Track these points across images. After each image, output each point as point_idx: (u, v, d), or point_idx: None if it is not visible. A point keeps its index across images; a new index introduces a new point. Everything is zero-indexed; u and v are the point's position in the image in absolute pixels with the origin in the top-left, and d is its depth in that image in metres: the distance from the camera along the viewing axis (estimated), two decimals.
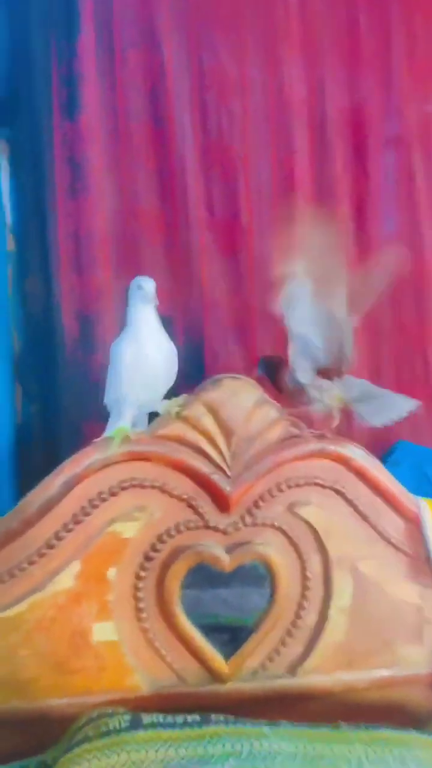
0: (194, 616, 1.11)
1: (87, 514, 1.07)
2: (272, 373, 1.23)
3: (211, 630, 1.21)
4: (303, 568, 1.17)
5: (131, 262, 1.39)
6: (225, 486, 1.11)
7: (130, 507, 1.09)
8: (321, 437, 1.16)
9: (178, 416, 1.10)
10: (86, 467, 1.07)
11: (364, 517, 1.18)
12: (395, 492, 1.18)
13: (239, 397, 1.12)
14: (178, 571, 1.10)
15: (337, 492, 1.17)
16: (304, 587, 1.17)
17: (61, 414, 1.40)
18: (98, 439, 1.10)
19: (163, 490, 1.11)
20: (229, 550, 1.13)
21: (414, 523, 1.20)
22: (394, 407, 1.14)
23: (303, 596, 1.17)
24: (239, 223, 1.44)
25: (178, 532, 1.12)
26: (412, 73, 1.43)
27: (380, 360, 1.53)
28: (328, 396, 1.12)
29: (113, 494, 1.09)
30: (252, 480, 1.12)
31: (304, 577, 1.17)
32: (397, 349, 1.52)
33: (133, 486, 1.09)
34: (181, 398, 1.13)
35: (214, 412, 1.11)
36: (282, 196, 1.44)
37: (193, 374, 1.24)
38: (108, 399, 1.14)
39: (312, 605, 1.17)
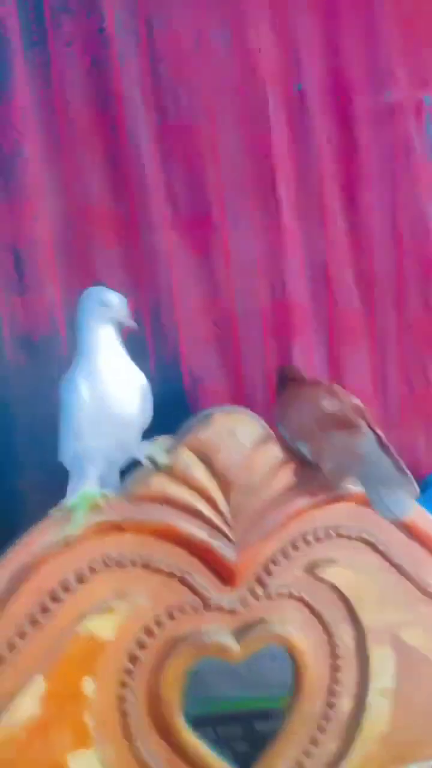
0: (193, 703, 0.86)
1: (47, 611, 0.81)
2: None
3: (218, 722, 0.95)
4: (332, 645, 0.92)
5: (84, 273, 1.13)
6: (227, 552, 0.85)
7: (105, 596, 0.83)
8: None
9: (161, 469, 0.84)
10: (42, 551, 0.80)
11: (402, 571, 0.94)
12: None
13: (236, 436, 0.87)
14: (175, 671, 0.84)
15: (366, 543, 0.93)
16: (335, 668, 0.92)
17: (11, 472, 1.12)
18: (56, 509, 0.83)
19: (147, 567, 0.84)
20: (239, 634, 0.87)
21: None
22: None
23: (334, 680, 0.92)
24: (210, 218, 1.19)
25: (171, 619, 0.86)
26: (401, 29, 1.21)
27: (386, 366, 1.30)
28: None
29: (82, 581, 0.82)
30: (260, 541, 0.87)
31: (334, 656, 0.92)
32: (404, 352, 1.30)
33: (108, 567, 0.83)
34: (164, 441, 0.87)
35: (206, 458, 0.85)
36: (259, 183, 1.21)
37: (170, 405, 0.98)
38: (63, 455, 0.87)
39: (346, 690, 0.92)
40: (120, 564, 0.84)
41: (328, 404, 0.87)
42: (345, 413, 0.86)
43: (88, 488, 0.84)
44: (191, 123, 1.18)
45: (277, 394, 0.98)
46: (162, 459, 0.84)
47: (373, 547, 0.93)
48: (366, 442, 0.84)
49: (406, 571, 0.94)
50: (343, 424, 0.85)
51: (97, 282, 1.15)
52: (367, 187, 1.27)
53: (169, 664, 0.84)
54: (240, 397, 1.22)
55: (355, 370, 1.28)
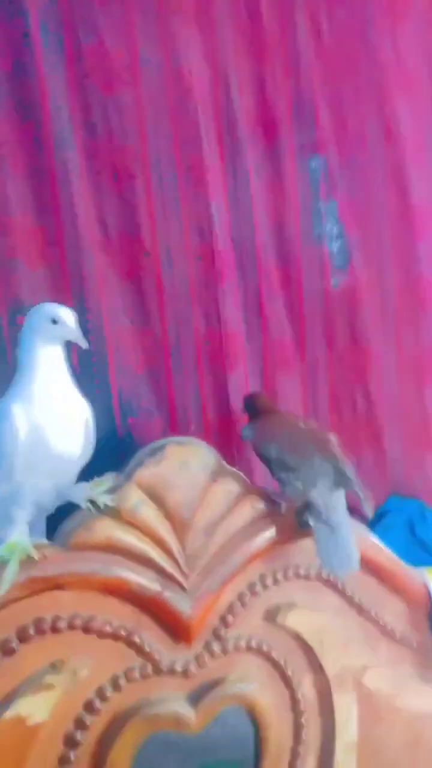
0: None
1: None
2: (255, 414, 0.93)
3: None
4: (294, 701, 0.83)
5: (3, 293, 1.01)
6: (181, 605, 0.75)
7: (37, 669, 0.69)
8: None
9: (104, 512, 0.73)
10: None
11: (361, 611, 0.89)
12: (395, 569, 0.90)
13: (190, 470, 0.78)
14: (123, 753, 0.71)
15: (325, 582, 0.87)
16: (298, 726, 0.83)
17: None
18: None
19: (88, 630, 0.72)
20: (194, 699, 0.76)
21: (416, 604, 0.92)
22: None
23: (297, 739, 0.83)
24: (141, 242, 1.12)
25: (117, 690, 0.73)
26: (321, 60, 1.23)
27: (317, 395, 1.28)
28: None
29: (8, 653, 0.68)
30: (217, 588, 0.78)
31: (297, 712, 0.83)
32: (333, 382, 1.28)
33: (41, 634, 0.69)
34: (107, 479, 0.76)
35: (157, 497, 0.76)
36: (192, 208, 1.16)
37: (98, 438, 0.87)
38: None
39: (310, 749, 0.84)
40: (55, 629, 0.70)
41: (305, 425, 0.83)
42: (318, 437, 0.81)
43: (18, 537, 0.71)
44: (122, 142, 1.11)
45: (250, 417, 0.92)
46: (105, 500, 0.73)
47: (332, 586, 0.87)
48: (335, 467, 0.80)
49: (365, 610, 0.89)
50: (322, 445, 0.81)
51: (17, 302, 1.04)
52: (294, 219, 1.26)
53: (116, 745, 0.71)
54: (173, 427, 1.13)
55: (287, 399, 1.24)
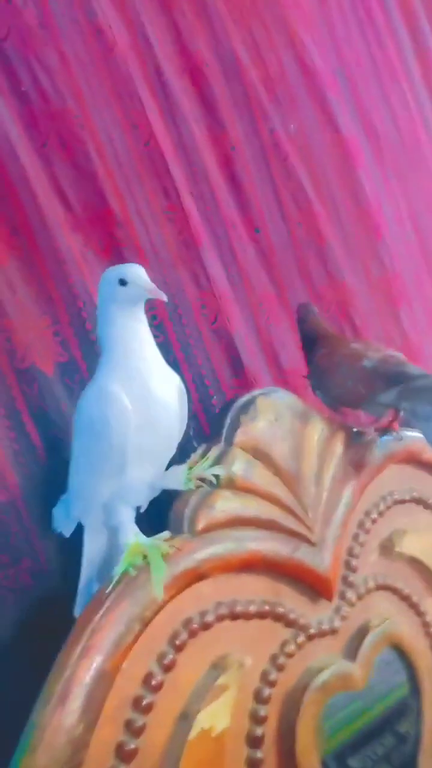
0: None
1: (136, 725, 0.55)
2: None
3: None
4: (424, 625, 0.81)
5: None
6: (316, 561, 0.69)
7: (204, 676, 0.60)
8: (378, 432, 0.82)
9: (219, 485, 0.65)
10: (114, 647, 0.54)
11: None
12: None
13: (284, 419, 0.72)
14: (307, 733, 0.65)
15: (417, 501, 0.85)
16: None
17: None
18: (107, 585, 0.57)
19: (234, 616, 0.64)
20: (350, 654, 0.71)
21: None
22: None
23: None
24: (110, 212, 1.01)
25: (280, 669, 0.66)
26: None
27: None
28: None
29: (168, 668, 0.58)
30: (341, 534, 0.73)
31: (430, 636, 0.81)
32: None
33: (193, 634, 0.60)
34: (202, 452, 0.68)
35: (263, 455, 0.69)
36: (149, 167, 1.07)
37: None
38: (80, 500, 0.62)
39: None
40: (205, 625, 0.62)
41: (369, 362, 0.76)
42: (391, 366, 0.76)
43: (138, 538, 0.60)
44: (61, 106, 0.99)
45: (307, 354, 0.85)
46: (218, 473, 0.65)
47: (423, 504, 0.86)
48: (418, 381, 0.76)
49: None
50: (395, 377, 0.75)
51: None
52: (245, 166, 1.22)
53: (299, 727, 0.65)
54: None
55: (282, 347, 1.21)
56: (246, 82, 1.23)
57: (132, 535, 0.61)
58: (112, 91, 1.06)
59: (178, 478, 0.66)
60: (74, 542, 0.69)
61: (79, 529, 0.67)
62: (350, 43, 1.48)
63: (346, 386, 0.77)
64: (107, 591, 0.57)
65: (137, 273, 0.64)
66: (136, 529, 0.62)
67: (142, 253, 1.04)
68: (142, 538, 0.61)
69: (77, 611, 0.67)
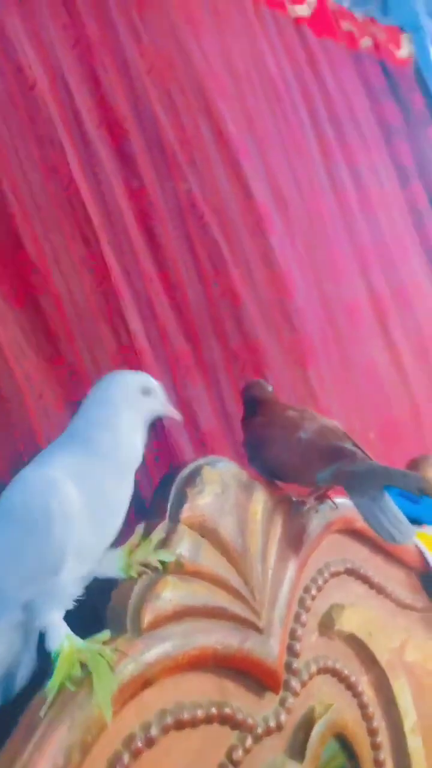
0: None
1: None
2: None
3: None
4: (362, 707, 0.77)
5: None
6: (265, 652, 0.63)
7: None
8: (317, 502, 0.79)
9: (167, 567, 0.57)
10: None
11: (380, 590, 0.87)
12: None
13: (230, 492, 0.66)
14: None
15: (350, 572, 0.83)
16: (372, 731, 0.78)
17: None
18: (39, 705, 0.47)
19: (180, 724, 0.55)
20: (297, 751, 0.65)
21: (412, 568, 0.94)
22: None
23: (374, 746, 0.77)
24: (26, 256, 0.92)
25: None
26: (145, 59, 1.19)
27: (223, 398, 1.22)
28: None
29: None
30: (286, 617, 0.68)
31: (367, 718, 0.78)
32: (234, 382, 1.24)
33: (137, 755, 0.51)
34: (141, 530, 0.60)
35: (209, 532, 0.62)
36: (68, 213, 0.99)
37: None
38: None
39: (385, 750, 0.79)
40: (149, 741, 0.53)
41: (305, 434, 0.73)
42: (327, 441, 0.73)
43: (73, 643, 0.51)
44: None
45: (244, 423, 0.80)
46: (165, 558, 0.57)
47: (356, 575, 0.83)
48: (357, 463, 0.74)
49: (383, 589, 0.87)
50: (330, 454, 0.73)
51: None
52: (161, 221, 1.19)
53: None
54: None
55: (196, 404, 1.17)
56: (164, 141, 1.22)
57: (64, 640, 0.51)
58: (31, 131, 0.99)
59: (115, 565, 0.57)
60: None
61: None
62: (260, 115, 1.55)
63: (282, 459, 0.74)
64: (41, 713, 0.46)
65: (160, 387, 0.61)
66: (68, 630, 0.52)
67: (59, 303, 0.96)
68: (78, 642, 0.51)
69: None
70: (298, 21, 1.87)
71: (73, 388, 0.93)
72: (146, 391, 0.58)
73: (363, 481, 0.70)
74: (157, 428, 1.04)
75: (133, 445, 0.57)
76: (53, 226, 0.98)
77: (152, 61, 1.24)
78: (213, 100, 1.36)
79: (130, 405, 0.57)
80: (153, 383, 0.60)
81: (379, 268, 1.88)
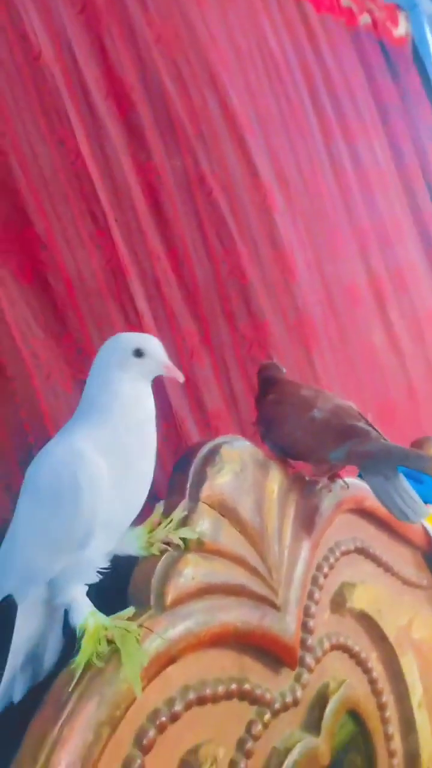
0: None
1: None
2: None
3: None
4: (371, 682, 0.78)
5: None
6: (281, 627, 0.64)
7: None
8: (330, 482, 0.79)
9: (188, 545, 0.57)
10: (84, 762, 0.44)
11: (387, 568, 0.88)
12: None
13: (248, 471, 0.66)
14: None
15: (359, 551, 0.83)
16: (381, 706, 0.79)
17: None
18: (63, 682, 0.47)
19: (202, 700, 0.56)
20: (312, 725, 0.66)
21: (418, 547, 0.95)
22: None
23: (383, 720, 0.79)
24: (33, 232, 0.91)
25: (248, 756, 0.59)
26: (153, 29, 1.15)
27: (232, 382, 1.22)
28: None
29: None
30: (301, 595, 0.68)
31: (377, 693, 0.79)
32: (242, 362, 1.24)
33: (162, 729, 0.51)
34: (161, 509, 0.60)
35: (228, 511, 0.62)
36: (76, 187, 0.97)
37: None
38: (14, 569, 0.52)
39: (393, 724, 0.80)
40: (173, 716, 0.53)
41: (318, 413, 0.73)
42: (341, 420, 0.73)
43: (97, 619, 0.51)
44: None
45: (258, 402, 0.80)
46: (188, 535, 0.57)
47: (365, 554, 0.84)
48: (371, 442, 0.74)
49: (389, 567, 0.88)
50: (344, 433, 0.73)
51: None
52: (169, 196, 1.17)
53: None
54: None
55: (204, 387, 1.16)
56: (172, 113, 1.20)
57: (89, 616, 0.51)
58: (37, 102, 0.96)
59: (135, 544, 0.57)
60: None
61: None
62: (262, 92, 1.53)
63: (295, 437, 0.74)
64: (69, 689, 0.46)
65: (156, 346, 0.58)
66: (92, 607, 0.52)
67: (68, 280, 0.94)
68: (102, 618, 0.51)
69: None
70: None
71: (81, 366, 0.92)
72: (138, 353, 0.56)
73: (377, 460, 0.70)
74: (164, 409, 1.04)
75: (140, 407, 0.55)
76: (61, 201, 0.96)
77: (159, 31, 1.21)
78: (218, 74, 1.33)
79: (124, 368, 0.55)
80: (146, 343, 0.57)
81: (377, 249, 1.88)
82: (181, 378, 0.59)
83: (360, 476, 0.96)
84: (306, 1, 1.84)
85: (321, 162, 1.72)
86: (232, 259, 1.25)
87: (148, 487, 0.55)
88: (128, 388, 0.55)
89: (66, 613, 0.52)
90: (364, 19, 2.19)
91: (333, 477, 0.80)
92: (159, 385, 1.01)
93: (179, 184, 1.19)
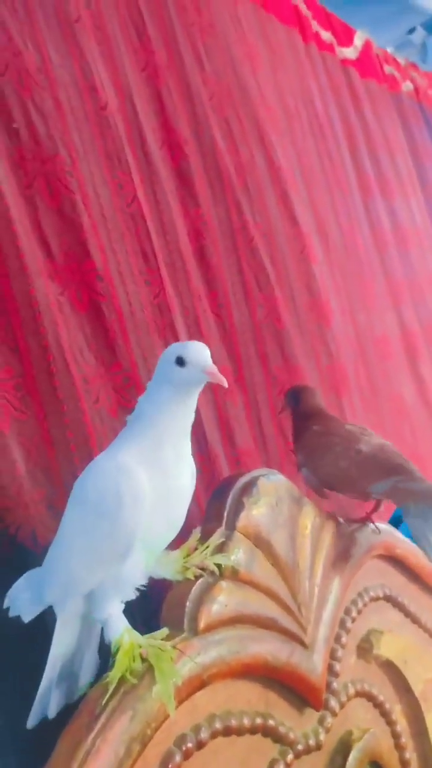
0: None
1: None
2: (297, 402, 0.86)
3: None
4: (394, 735, 0.77)
5: None
6: (309, 665, 0.64)
7: None
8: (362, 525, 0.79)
9: (222, 572, 0.58)
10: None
11: (415, 620, 0.87)
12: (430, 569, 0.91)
13: (284, 505, 0.67)
14: None
15: (387, 599, 0.83)
16: (404, 762, 0.77)
17: None
18: (89, 700, 0.48)
19: (228, 731, 0.56)
20: None
21: None
22: None
23: None
24: (92, 265, 0.96)
25: None
26: (208, 87, 1.24)
27: (262, 421, 1.24)
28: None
29: None
30: (330, 636, 0.68)
31: (399, 748, 0.77)
32: (273, 405, 1.26)
33: (188, 756, 0.51)
34: (198, 534, 0.61)
35: (263, 543, 0.63)
36: (131, 227, 1.03)
37: None
38: (58, 579, 0.54)
39: None
40: (199, 744, 0.53)
41: (366, 447, 0.74)
42: (387, 456, 0.75)
43: (132, 636, 0.52)
44: (52, 152, 0.94)
45: (297, 431, 0.82)
46: (223, 561, 0.58)
47: (393, 602, 0.83)
48: (416, 482, 0.75)
49: (417, 619, 0.87)
50: (389, 468, 0.74)
51: None
52: (213, 241, 1.23)
53: None
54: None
55: (236, 426, 1.18)
56: (221, 165, 1.27)
57: (125, 632, 0.52)
58: (102, 148, 1.03)
59: (171, 567, 0.58)
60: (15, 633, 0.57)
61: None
62: (306, 150, 1.60)
63: (338, 467, 0.75)
64: (103, 702, 0.47)
65: (198, 352, 0.57)
66: (127, 624, 0.53)
67: (119, 311, 0.99)
68: (138, 636, 0.52)
69: (31, 721, 0.55)
70: (344, 62, 1.95)
71: (127, 394, 0.96)
72: (180, 361, 0.55)
73: (419, 499, 0.71)
74: (200, 442, 1.06)
75: (177, 420, 0.55)
76: (117, 239, 1.01)
77: (213, 90, 1.29)
78: (266, 131, 1.41)
79: (167, 378, 0.55)
80: (186, 351, 0.56)
81: (410, 304, 1.91)
82: (224, 383, 0.57)
83: (391, 521, 0.97)
84: (351, 67, 1.95)
85: (359, 217, 1.78)
86: (270, 304, 1.29)
87: (188, 503, 0.56)
88: (168, 400, 0.55)
89: (102, 633, 0.53)
90: (407, 86, 2.31)
91: (365, 520, 0.80)
92: (196, 418, 1.04)
93: (223, 231, 1.25)
